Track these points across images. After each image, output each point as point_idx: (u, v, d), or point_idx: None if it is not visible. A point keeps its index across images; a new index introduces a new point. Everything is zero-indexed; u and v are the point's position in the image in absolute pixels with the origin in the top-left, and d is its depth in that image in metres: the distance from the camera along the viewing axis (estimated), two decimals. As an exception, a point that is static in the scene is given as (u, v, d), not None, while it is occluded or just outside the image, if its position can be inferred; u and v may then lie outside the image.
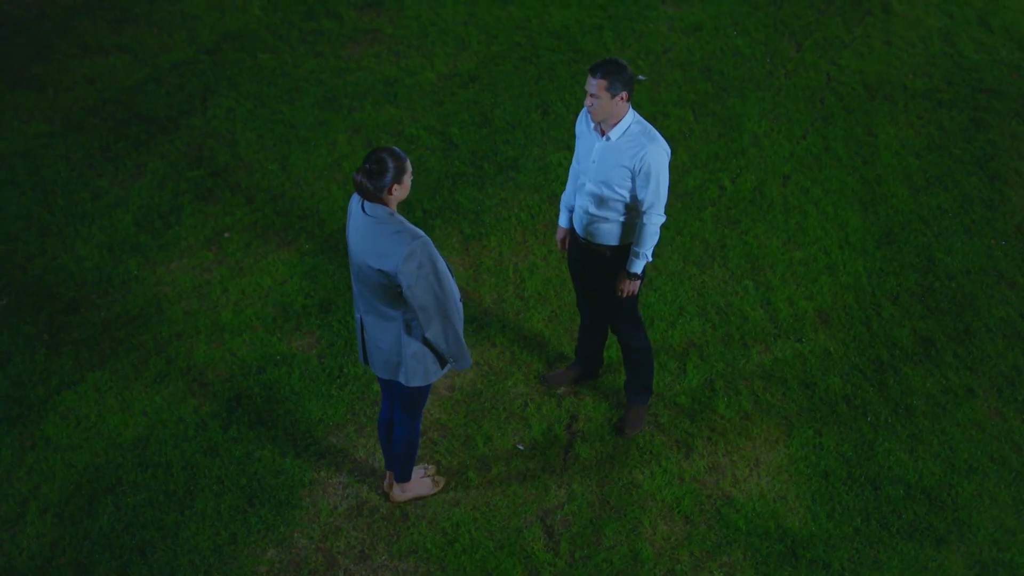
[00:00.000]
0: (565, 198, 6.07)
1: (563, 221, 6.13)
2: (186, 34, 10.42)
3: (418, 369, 5.25)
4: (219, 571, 5.55)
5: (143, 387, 6.59)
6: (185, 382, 6.62)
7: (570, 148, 8.70)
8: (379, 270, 4.95)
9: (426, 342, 5.18)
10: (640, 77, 9.81)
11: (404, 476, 5.84)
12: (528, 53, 10.20)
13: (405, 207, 8.06)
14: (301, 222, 7.93)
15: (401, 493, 5.90)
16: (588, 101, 5.50)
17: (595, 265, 5.98)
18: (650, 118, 9.14)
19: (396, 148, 4.94)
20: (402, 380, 5.32)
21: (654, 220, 5.67)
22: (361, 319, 5.31)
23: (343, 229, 7.76)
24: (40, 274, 7.44)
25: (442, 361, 5.30)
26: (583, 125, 5.77)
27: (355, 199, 5.07)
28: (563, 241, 6.20)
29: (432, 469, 6.08)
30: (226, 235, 7.83)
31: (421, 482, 5.96)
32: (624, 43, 10.37)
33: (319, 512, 5.86)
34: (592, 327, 6.46)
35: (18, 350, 6.83)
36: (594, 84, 5.45)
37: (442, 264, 5.04)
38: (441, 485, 6.01)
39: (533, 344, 6.93)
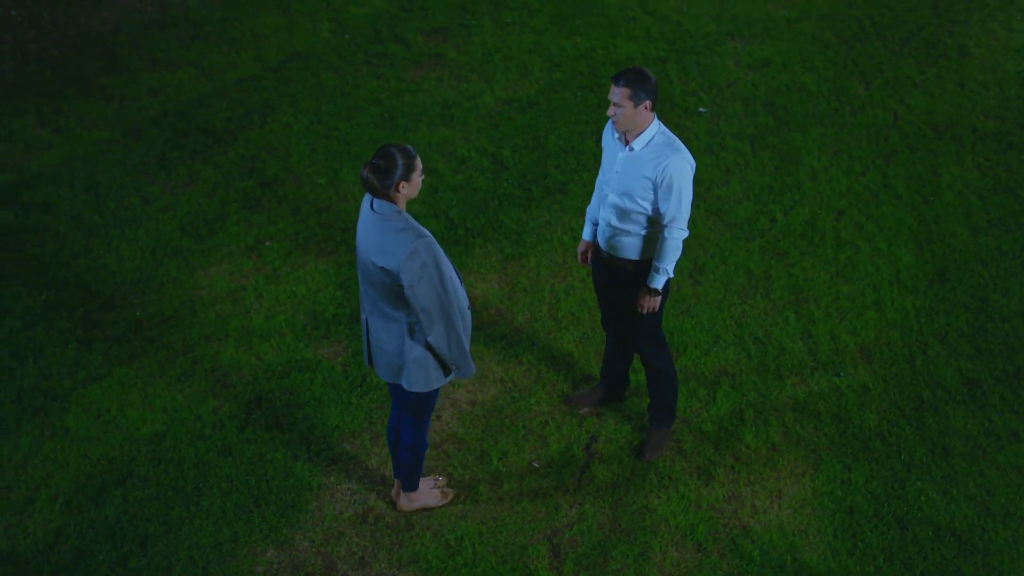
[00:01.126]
0: (590, 210, 5.96)
1: (586, 234, 6.02)
2: (254, 52, 10.59)
3: (420, 374, 5.16)
4: (217, 568, 5.49)
5: (166, 385, 6.60)
6: (208, 382, 6.62)
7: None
8: (383, 268, 4.89)
9: (429, 347, 5.08)
10: (701, 109, 9.68)
11: (411, 485, 5.73)
12: (589, 82, 10.14)
13: (447, 222, 8.02)
14: (343, 235, 7.93)
15: (408, 503, 5.79)
16: (611, 110, 5.40)
17: (617, 280, 5.85)
18: (707, 149, 9.01)
19: (407, 145, 4.89)
20: (404, 384, 5.23)
21: (675, 235, 5.52)
22: (366, 320, 5.24)
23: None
24: (82, 272, 7.54)
25: (446, 369, 5.20)
26: (609, 136, 5.67)
27: (367, 197, 5.03)
28: (584, 255, 6.08)
29: (442, 481, 5.96)
30: (267, 244, 7.86)
31: (429, 493, 5.85)
32: (688, 75, 10.25)
33: (324, 516, 5.78)
34: (617, 346, 6.31)
35: (51, 343, 6.91)
36: (617, 93, 5.35)
37: (447, 267, 4.96)
38: (450, 497, 5.88)
39: (561, 364, 6.79)
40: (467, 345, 5.15)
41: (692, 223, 8.09)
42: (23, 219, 8.09)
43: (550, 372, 6.74)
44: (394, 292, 4.96)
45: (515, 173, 8.71)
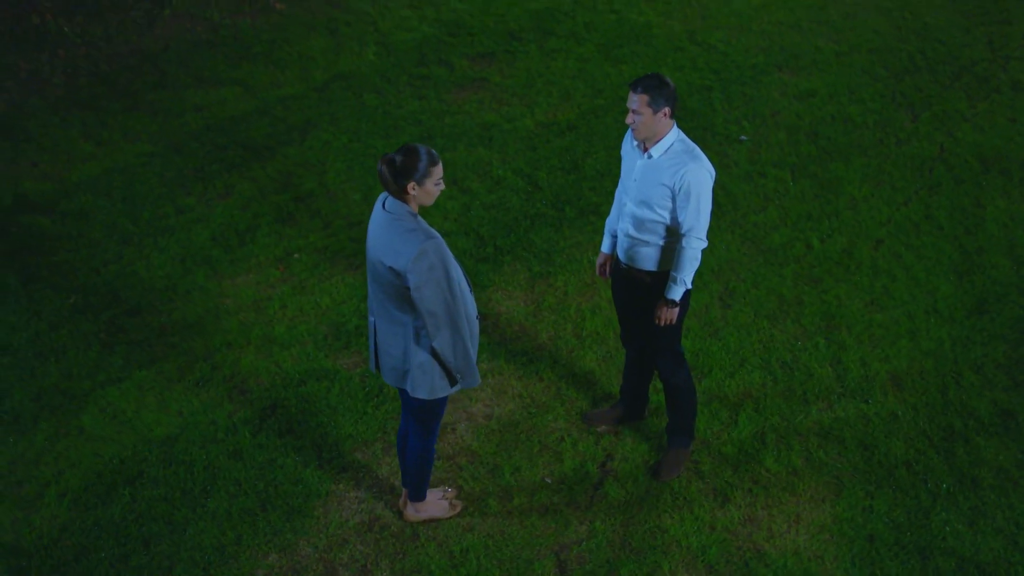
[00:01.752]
0: (609, 222, 5.87)
1: (605, 246, 5.92)
2: (299, 72, 10.68)
3: (424, 381, 5.07)
4: (218, 570, 5.43)
5: (184, 389, 6.59)
6: (226, 388, 6.60)
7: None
8: (390, 267, 4.84)
9: (435, 354, 5.00)
10: (742, 138, 9.56)
11: (418, 495, 5.63)
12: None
13: (477, 240, 7.98)
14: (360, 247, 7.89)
15: (415, 513, 5.70)
16: (630, 118, 5.32)
17: (635, 292, 5.74)
18: (746, 176, 8.89)
19: (434, 150, 4.83)
20: (408, 390, 5.15)
21: (694, 244, 5.41)
22: (374, 323, 5.18)
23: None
24: (111, 278, 7.59)
25: (451, 378, 5.10)
26: (628, 144, 5.59)
27: (381, 196, 4.98)
28: (602, 267, 5.98)
29: (452, 493, 5.86)
30: (295, 256, 7.86)
31: (437, 504, 5.75)
32: (731, 104, 10.14)
33: (328, 523, 5.70)
34: (637, 363, 6.19)
35: (74, 345, 6.94)
36: (635, 99, 5.27)
37: (457, 272, 4.89)
38: (458, 509, 5.78)
39: (582, 382, 6.68)
40: (473, 354, 5.06)
41: (725, 247, 7.97)
42: (59, 226, 8.18)
43: (570, 389, 6.63)
44: (401, 294, 4.90)
45: (549, 194, 8.65)
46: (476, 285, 7.52)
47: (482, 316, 7.23)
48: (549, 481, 5.98)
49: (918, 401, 6.57)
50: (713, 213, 8.30)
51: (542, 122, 9.80)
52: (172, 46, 11.01)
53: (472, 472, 6.04)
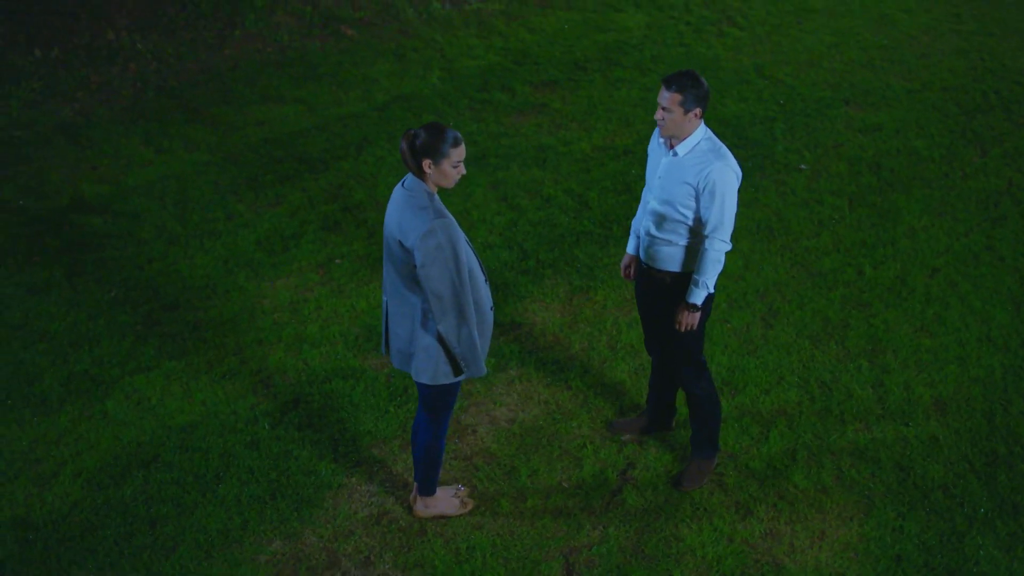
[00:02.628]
0: (635, 222, 5.74)
1: (630, 247, 5.79)
2: (362, 93, 10.78)
3: (428, 365, 4.98)
4: (221, 553, 5.36)
5: (210, 381, 6.58)
6: (251, 382, 6.58)
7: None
8: (400, 243, 4.78)
9: (440, 339, 4.91)
10: (802, 167, 9.37)
11: (427, 489, 5.52)
12: (690, 135, 9.94)
13: (519, 253, 7.91)
14: (413, 257, 7.86)
15: (424, 508, 5.57)
16: (659, 114, 5.21)
17: (656, 294, 5.59)
18: (802, 203, 8.69)
19: (459, 135, 4.79)
20: (412, 374, 5.07)
21: (717, 246, 5.25)
22: (386, 303, 5.12)
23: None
24: (154, 276, 7.66)
25: (456, 367, 5.00)
26: (655, 142, 5.47)
27: (404, 179, 4.94)
28: (627, 268, 5.84)
29: (463, 491, 5.73)
30: (337, 261, 7.86)
31: (448, 500, 5.62)
32: (794, 135, 9.96)
33: (337, 514, 5.61)
34: (662, 370, 6.01)
35: (108, 335, 7.00)
36: (667, 97, 5.16)
37: (467, 255, 4.81)
38: (468, 508, 5.64)
39: (611, 392, 6.52)
40: (481, 345, 4.97)
41: (773, 269, 7.77)
42: (110, 225, 8.30)
43: (598, 399, 6.47)
44: (412, 273, 4.84)
45: (598, 213, 8.55)
46: (513, 295, 7.43)
47: (516, 325, 7.13)
48: (566, 485, 5.81)
49: (962, 426, 6.27)
50: (763, 237, 8.13)
51: (599, 146, 9.72)
52: (240, 65, 11.21)
53: (488, 473, 5.91)
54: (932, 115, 10.46)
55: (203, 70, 11.01)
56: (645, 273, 5.61)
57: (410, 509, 5.64)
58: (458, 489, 5.72)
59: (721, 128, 10.02)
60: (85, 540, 5.42)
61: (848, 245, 8.13)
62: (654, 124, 9.72)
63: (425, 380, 5.03)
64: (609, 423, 6.27)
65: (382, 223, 7.90)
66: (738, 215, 8.43)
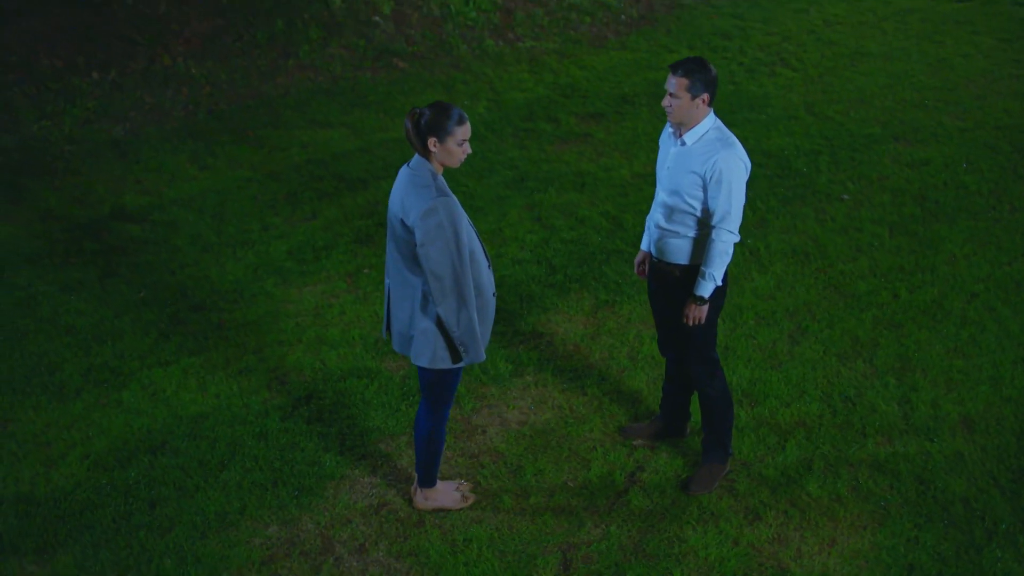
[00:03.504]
0: (648, 219, 5.67)
1: (644, 243, 5.73)
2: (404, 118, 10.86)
3: (426, 348, 4.94)
4: (216, 535, 5.33)
5: (226, 376, 6.61)
6: (267, 378, 6.59)
7: (744, 244, 8.25)
8: (401, 221, 4.78)
9: (439, 323, 4.87)
10: (844, 196, 9.23)
11: (427, 480, 5.45)
12: (732, 165, 9.85)
13: (548, 268, 7.87)
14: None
15: (424, 500, 5.50)
16: (666, 100, 5.17)
17: (666, 289, 5.50)
18: (841, 229, 8.55)
19: (464, 112, 4.80)
20: (411, 357, 5.03)
21: (724, 237, 5.16)
22: (389, 286, 5.11)
23: (499, 306, 7.59)
24: (184, 279, 7.74)
25: (455, 353, 4.95)
26: (665, 133, 5.43)
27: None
28: (640, 265, 5.77)
29: (466, 486, 5.65)
30: (365, 271, 7.88)
31: (449, 494, 5.54)
32: (839, 167, 9.83)
33: (336, 503, 5.56)
34: (676, 375, 5.90)
35: (133, 331, 7.07)
36: (674, 82, 5.13)
37: (468, 236, 4.79)
38: (469, 502, 5.56)
39: (627, 400, 6.41)
40: (483, 331, 4.93)
41: (805, 290, 7.63)
42: (148, 233, 8.43)
43: (613, 405, 6.37)
44: (413, 254, 4.83)
45: (632, 234, 8.48)
46: (538, 307, 7.38)
47: (537, 335, 7.06)
48: (571, 485, 5.70)
49: (989, 443, 6.05)
50: (798, 260, 8.00)
51: (639, 173, 9.68)
52: (291, 93, 11.40)
53: (493, 470, 5.82)
54: (983, 152, 10.25)
55: (254, 96, 11.22)
56: (656, 268, 5.54)
57: (411, 501, 5.56)
58: (460, 484, 5.64)
59: (765, 159, 9.93)
60: (84, 517, 5.43)
61: (885, 270, 7.95)
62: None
63: (423, 363, 4.99)
64: (622, 428, 6.16)
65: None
66: (774, 239, 8.32)
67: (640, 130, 10.71)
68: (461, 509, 5.52)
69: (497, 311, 7.09)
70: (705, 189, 5.14)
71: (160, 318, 7.23)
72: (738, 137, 9.89)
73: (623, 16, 14.51)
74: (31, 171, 9.43)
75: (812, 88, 12.06)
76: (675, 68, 5.12)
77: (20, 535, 5.30)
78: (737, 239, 5.20)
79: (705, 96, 5.10)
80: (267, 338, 7.02)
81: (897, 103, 11.60)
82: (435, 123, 4.71)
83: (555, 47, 13.34)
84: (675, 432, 6.07)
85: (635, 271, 5.87)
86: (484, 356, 4.99)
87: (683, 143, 5.21)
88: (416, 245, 4.73)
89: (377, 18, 12.79)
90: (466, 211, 8.18)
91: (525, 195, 9.20)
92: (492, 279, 5.02)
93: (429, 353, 4.95)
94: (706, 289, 5.25)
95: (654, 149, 10.21)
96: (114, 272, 7.82)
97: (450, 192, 4.77)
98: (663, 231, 5.35)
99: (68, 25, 11.20)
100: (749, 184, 9.35)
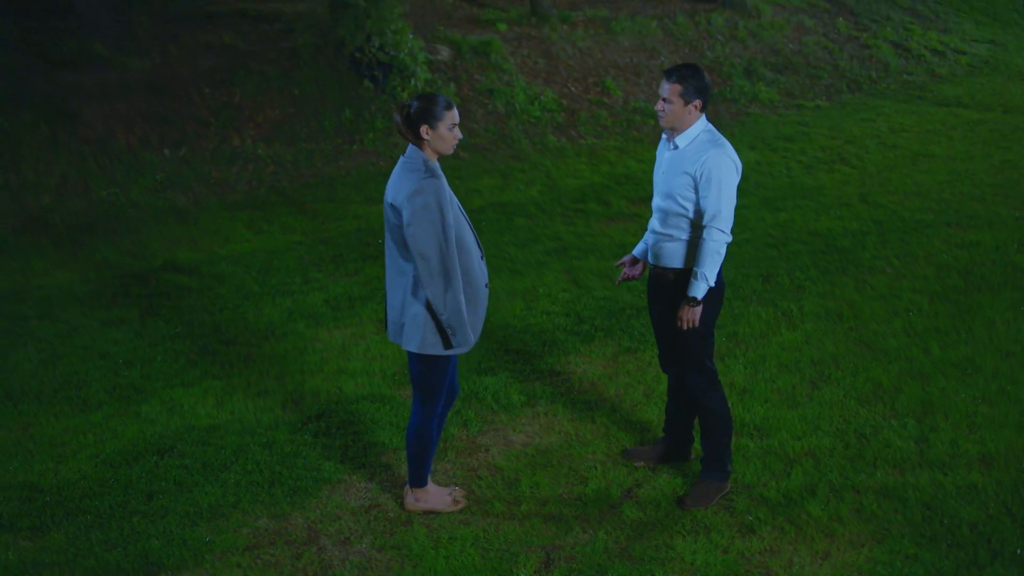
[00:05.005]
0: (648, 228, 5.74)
1: (637, 249, 5.77)
2: (461, 198, 11.13)
3: (415, 333, 5.04)
4: (207, 524, 5.40)
5: (244, 397, 6.76)
6: (283, 399, 6.72)
7: (777, 306, 8.22)
8: (392, 205, 4.94)
9: (430, 308, 4.98)
10: (887, 269, 9.16)
11: (417, 479, 5.46)
12: (777, 242, 9.90)
13: (575, 319, 7.91)
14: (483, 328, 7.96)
15: (415, 501, 5.50)
16: (659, 105, 5.31)
17: (663, 294, 5.53)
18: (880, 296, 8.46)
19: (451, 100, 5.00)
20: (403, 344, 5.12)
21: (715, 236, 5.21)
22: (387, 278, 5.25)
23: (511, 337, 7.69)
24: (221, 319, 7.99)
25: (444, 339, 5.04)
26: (661, 144, 5.54)
27: None
28: (621, 264, 5.78)
29: (459, 492, 5.64)
30: (396, 317, 8.01)
31: (440, 496, 5.54)
32: (885, 245, 9.77)
33: (328, 503, 5.60)
34: (678, 392, 5.86)
35: (162, 357, 7.30)
36: (667, 88, 5.27)
37: (453, 217, 4.92)
38: (460, 506, 5.54)
39: (635, 428, 6.38)
40: (474, 319, 5.03)
41: (833, 344, 7.54)
42: (195, 282, 8.74)
43: (620, 432, 6.33)
44: (404, 239, 4.96)
45: (664, 294, 8.49)
46: (560, 350, 7.42)
47: (555, 373, 7.09)
48: (566, 496, 5.65)
49: (1005, 477, 5.84)
50: (830, 320, 7.94)
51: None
52: (352, 174, 11.81)
53: (489, 481, 5.81)
54: (1039, 236, 10.10)
55: (316, 176, 11.64)
56: (652, 274, 5.58)
57: (402, 504, 5.56)
58: (453, 490, 5.63)
59: (810, 238, 9.93)
60: (82, 503, 5.56)
61: (920, 330, 7.83)
62: (742, 231, 9.70)
63: (413, 348, 5.07)
64: (625, 450, 6.10)
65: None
66: (809, 302, 8.28)
67: (689, 212, 10.79)
68: (451, 512, 5.50)
69: (517, 352, 7.19)
70: (696, 189, 5.21)
71: (191, 349, 7.44)
72: (786, 219, 9.95)
73: (687, 120, 14.75)
74: (94, 230, 9.88)
75: (869, 182, 12.07)
76: (669, 74, 5.26)
77: (19, 515, 5.44)
78: (728, 239, 5.23)
79: (697, 102, 5.22)
80: (290, 367, 7.17)
81: (954, 195, 11.54)
82: (425, 111, 4.90)
83: (616, 144, 13.62)
84: (679, 455, 6.00)
85: (615, 264, 5.88)
86: (473, 341, 5.05)
87: (675, 147, 5.31)
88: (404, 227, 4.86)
89: (442, 112, 13.22)
90: (504, 273, 8.36)
91: (565, 262, 9.32)
92: (485, 270, 5.11)
93: (419, 338, 5.03)
94: (699, 289, 5.27)
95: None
96: (155, 312, 8.10)
97: (440, 175, 4.91)
98: (658, 235, 5.41)
99: (147, 109, 11.85)
100: (787, 254, 9.38)
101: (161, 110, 12.01)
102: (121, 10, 14.71)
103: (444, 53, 14.32)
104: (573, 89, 14.66)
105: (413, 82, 12.91)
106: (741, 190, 11.16)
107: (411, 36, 13.14)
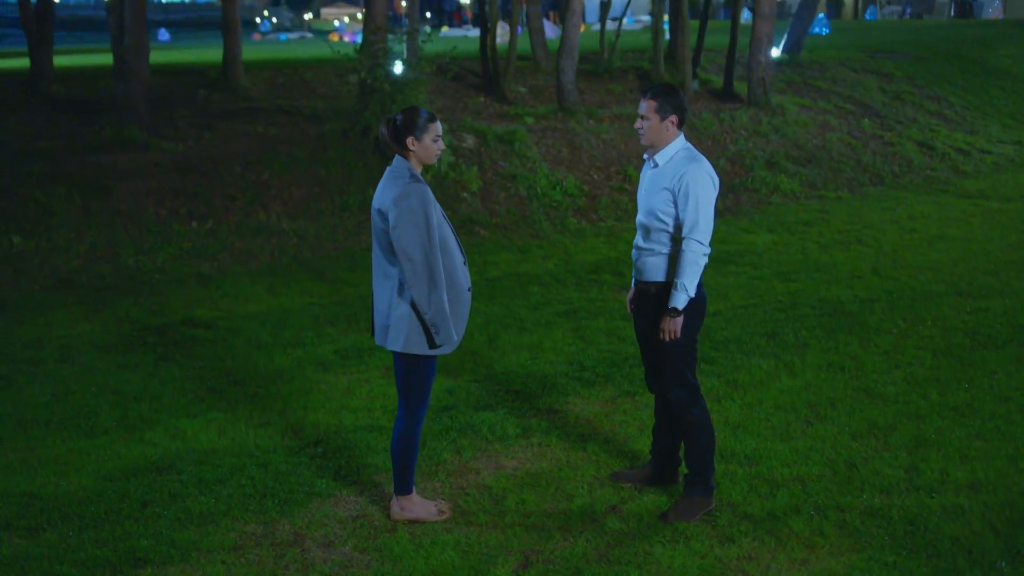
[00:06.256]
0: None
1: (634, 281, 5.95)
2: (478, 270, 11.41)
3: (399, 332, 5.24)
4: (197, 528, 5.54)
5: (245, 427, 6.93)
6: (283, 430, 6.88)
7: (779, 358, 8.31)
8: (378, 210, 5.19)
9: (414, 308, 5.18)
10: (892, 331, 9.23)
11: (402, 487, 5.59)
12: (785, 306, 10.01)
13: (577, 366, 8.03)
14: (490, 384, 8.12)
15: (400, 510, 5.61)
16: (638, 123, 5.56)
17: (645, 309, 5.69)
18: (883, 353, 8.53)
19: (432, 112, 5.31)
20: (388, 345, 5.31)
21: (694, 247, 5.39)
22: (373, 284, 5.47)
23: (512, 380, 7.82)
24: (232, 364, 8.22)
25: (429, 339, 5.23)
26: (645, 166, 5.77)
27: None
28: (631, 302, 5.96)
29: (446, 504, 5.75)
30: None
31: (425, 506, 5.64)
32: (894, 310, 9.83)
33: (317, 512, 5.72)
34: (665, 412, 5.97)
35: (171, 394, 7.52)
36: (644, 105, 5.52)
37: (437, 221, 5.15)
38: (445, 516, 5.64)
39: (626, 457, 6.47)
40: (455, 322, 5.21)
41: (831, 388, 7.60)
42: (210, 335, 9.00)
43: (611, 459, 6.42)
44: (391, 245, 5.19)
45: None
46: (559, 392, 7.55)
47: (552, 411, 7.21)
48: (550, 511, 5.73)
49: (993, 500, 5.85)
50: (832, 372, 8.01)
51: (690, 309, 9.86)
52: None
53: (476, 497, 5.91)
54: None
55: (338, 249, 11.97)
56: (636, 291, 5.74)
57: (388, 513, 5.67)
58: (439, 502, 5.74)
59: (818, 303, 10.05)
60: (79, 509, 5.72)
61: (920, 379, 7.87)
62: (751, 297, 9.85)
63: (397, 347, 5.25)
64: (613, 473, 6.18)
65: (461, 349, 8.26)
66: (812, 356, 8.36)
67: (709, 285, 10.90)
68: (436, 521, 5.59)
69: (517, 392, 7.34)
70: (676, 204, 5.40)
71: (200, 388, 7.65)
72: (796, 288, 10.09)
73: (708, 207, 15.01)
74: (120, 291, 10.22)
75: (883, 259, 12.18)
76: (645, 92, 5.52)
77: (16, 517, 5.61)
78: (707, 250, 5.40)
79: (673, 118, 5.45)
80: (293, 404, 7.35)
81: (968, 270, 11.61)
82: (410, 123, 5.19)
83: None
84: (666, 478, 6.07)
85: (627, 309, 6.04)
86: (456, 341, 5.24)
87: (655, 164, 5.52)
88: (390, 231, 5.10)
89: (465, 194, 13.60)
90: (513, 330, 8.54)
91: (574, 322, 9.48)
92: (467, 275, 5.32)
93: (403, 337, 5.22)
94: (679, 300, 5.42)
95: (712, 298, 10.41)
96: (170, 358, 8.34)
97: (424, 182, 5.17)
98: (640, 251, 5.60)
99: (178, 185, 12.30)
100: (794, 316, 9.48)
101: (191, 187, 12.45)
102: (162, 105, 15.35)
103: (469, 141, 14.75)
104: (595, 176, 15.00)
105: (436, 165, 13.29)
106: (753, 263, 11.35)
107: (436, 121, 13.55)
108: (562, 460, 6.39)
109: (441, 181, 13.68)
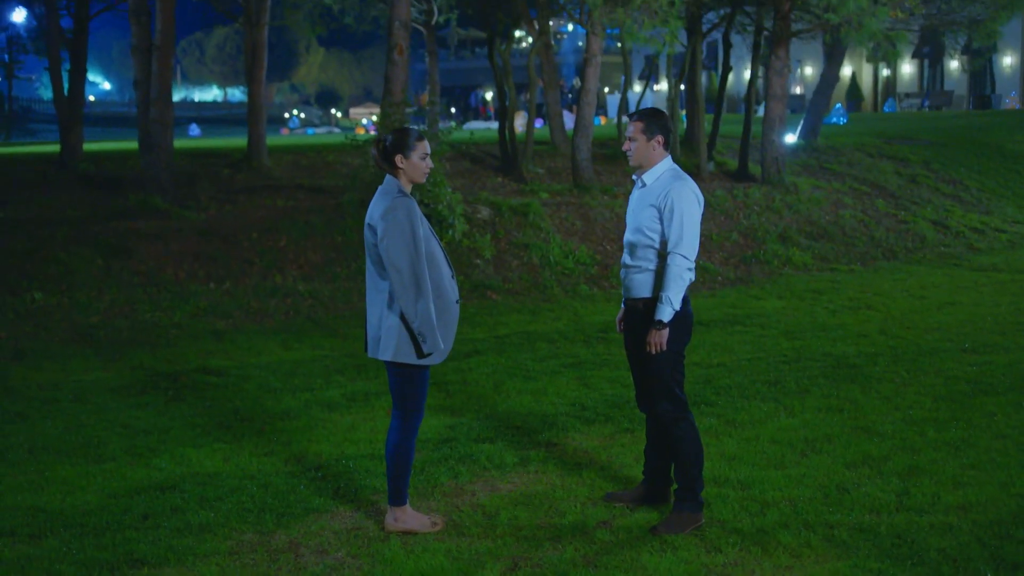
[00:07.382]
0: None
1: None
2: (488, 330, 11.61)
3: (390, 342, 5.43)
4: (196, 536, 5.68)
5: (250, 455, 7.09)
6: (286, 457, 7.04)
7: (779, 402, 8.42)
8: (369, 224, 5.43)
9: (403, 318, 5.39)
10: (895, 380, 9.32)
11: (396, 497, 5.72)
12: (790, 359, 10.12)
13: (579, 407, 8.15)
14: (494, 421, 8.27)
15: (393, 521, 5.74)
16: (625, 145, 5.80)
17: (633, 326, 5.86)
18: (883, 399, 8.61)
19: (421, 131, 5.59)
20: (379, 355, 5.50)
21: (678, 261, 5.58)
22: (366, 299, 5.68)
23: (513, 417, 7.96)
24: (241, 405, 8.41)
25: (417, 348, 5.42)
26: (634, 188, 5.99)
27: None
28: (620, 321, 6.13)
29: (439, 516, 5.87)
30: (407, 405, 8.35)
31: (418, 517, 5.76)
32: (897, 365, 9.91)
33: (313, 524, 5.85)
34: (656, 432, 6.10)
35: (179, 428, 7.70)
36: (632, 127, 5.78)
37: (423, 234, 5.38)
38: (438, 528, 5.75)
39: (621, 482, 6.58)
40: (443, 334, 5.41)
41: (826, 425, 7.70)
42: (222, 381, 9.20)
43: (606, 484, 6.53)
44: (381, 258, 5.42)
45: (670, 393, 8.73)
46: (558, 428, 7.67)
47: (551, 444, 7.33)
48: (542, 526, 5.84)
49: (983, 519, 5.91)
50: (830, 413, 8.10)
51: (695, 361, 10.00)
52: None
53: (468, 513, 6.02)
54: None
55: (352, 309, 12.20)
56: (625, 308, 5.91)
57: (383, 525, 5.79)
58: (433, 515, 5.86)
59: (822, 356, 10.15)
60: (82, 519, 5.88)
61: (918, 420, 7.95)
62: (757, 352, 9.96)
63: (387, 356, 5.44)
64: (607, 494, 6.28)
65: (465, 392, 8.45)
66: (812, 401, 8.45)
67: (711, 342, 11.07)
68: (429, 532, 5.70)
69: (518, 427, 7.48)
70: (661, 220, 5.60)
71: (209, 423, 7.83)
72: (802, 344, 10.23)
73: (719, 277, 15.22)
74: (136, 344, 10.46)
75: (891, 322, 12.28)
76: (632, 115, 5.77)
77: (21, 526, 5.77)
78: (691, 265, 5.58)
79: (659, 138, 5.68)
80: (298, 436, 7.50)
81: (975, 330, 11.69)
82: (399, 142, 5.46)
83: (646, 293, 14.02)
84: (658, 498, 6.16)
85: (617, 329, 6.21)
86: (443, 349, 5.41)
87: (643, 184, 5.75)
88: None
89: (479, 260, 13.86)
90: (518, 378, 8.71)
91: (579, 372, 9.62)
92: (455, 288, 5.52)
93: (393, 347, 5.41)
94: (664, 313, 5.59)
95: (716, 350, 10.56)
96: (181, 399, 8.54)
97: (411, 197, 5.42)
98: (627, 268, 5.79)
99: (197, 249, 12.63)
100: (798, 368, 9.58)
101: (210, 251, 12.78)
102: (187, 182, 15.81)
103: (484, 212, 15.06)
104: (608, 247, 15.24)
105: (451, 232, 13.57)
106: (761, 323, 11.48)
107: (450, 190, 13.89)
108: (557, 484, 6.50)
109: (455, 248, 13.95)
